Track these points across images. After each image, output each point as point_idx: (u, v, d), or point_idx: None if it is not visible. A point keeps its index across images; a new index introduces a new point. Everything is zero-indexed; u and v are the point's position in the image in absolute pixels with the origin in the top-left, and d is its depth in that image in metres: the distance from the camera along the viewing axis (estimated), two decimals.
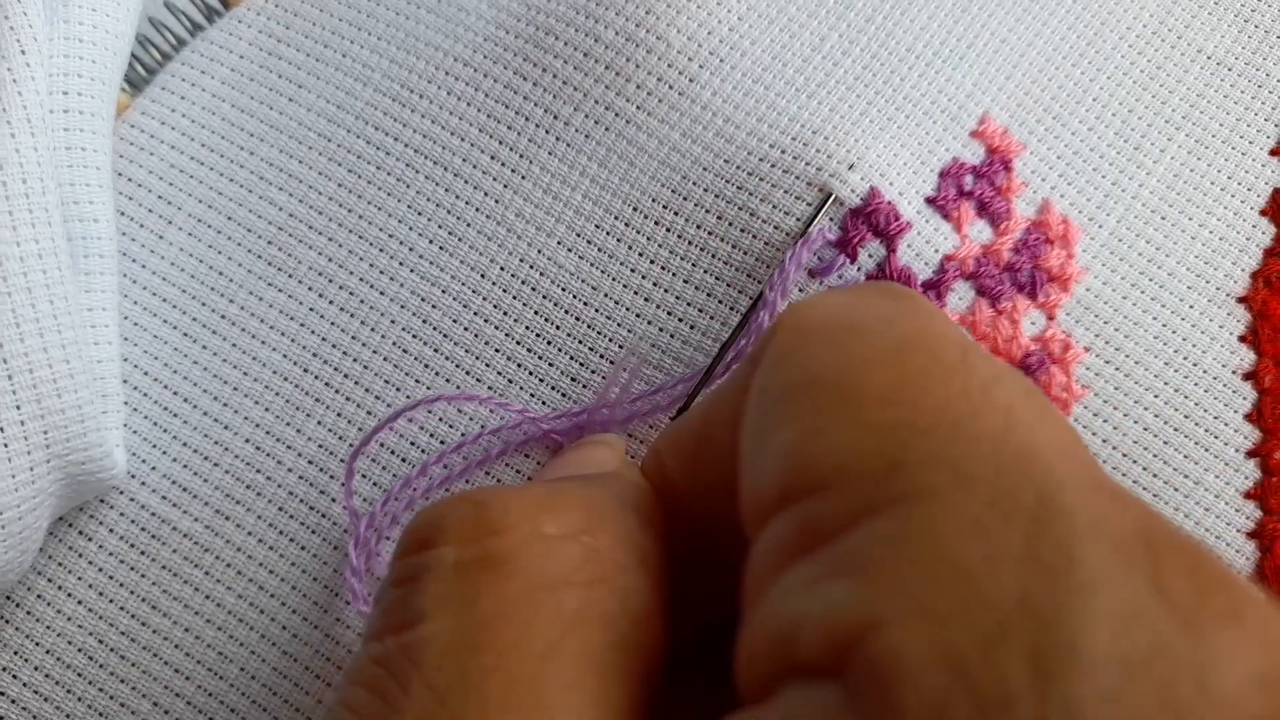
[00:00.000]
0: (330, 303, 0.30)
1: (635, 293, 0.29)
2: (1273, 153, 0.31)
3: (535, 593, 0.17)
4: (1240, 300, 0.30)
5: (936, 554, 0.14)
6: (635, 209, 0.29)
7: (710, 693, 0.20)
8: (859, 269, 0.28)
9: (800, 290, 0.28)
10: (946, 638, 0.13)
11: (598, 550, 0.18)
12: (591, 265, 0.29)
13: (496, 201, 0.30)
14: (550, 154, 0.30)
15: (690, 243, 0.29)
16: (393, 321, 0.29)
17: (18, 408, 0.25)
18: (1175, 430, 0.29)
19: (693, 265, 0.29)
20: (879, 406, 0.15)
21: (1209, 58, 0.32)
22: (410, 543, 0.18)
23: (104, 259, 0.28)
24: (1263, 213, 0.31)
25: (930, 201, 0.29)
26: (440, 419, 0.29)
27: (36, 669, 0.27)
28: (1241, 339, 0.30)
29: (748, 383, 0.18)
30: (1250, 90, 0.32)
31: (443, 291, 0.29)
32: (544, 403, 0.29)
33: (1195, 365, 0.29)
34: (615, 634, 0.17)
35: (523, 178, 0.30)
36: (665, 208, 0.29)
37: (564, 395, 0.29)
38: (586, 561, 0.18)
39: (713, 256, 0.29)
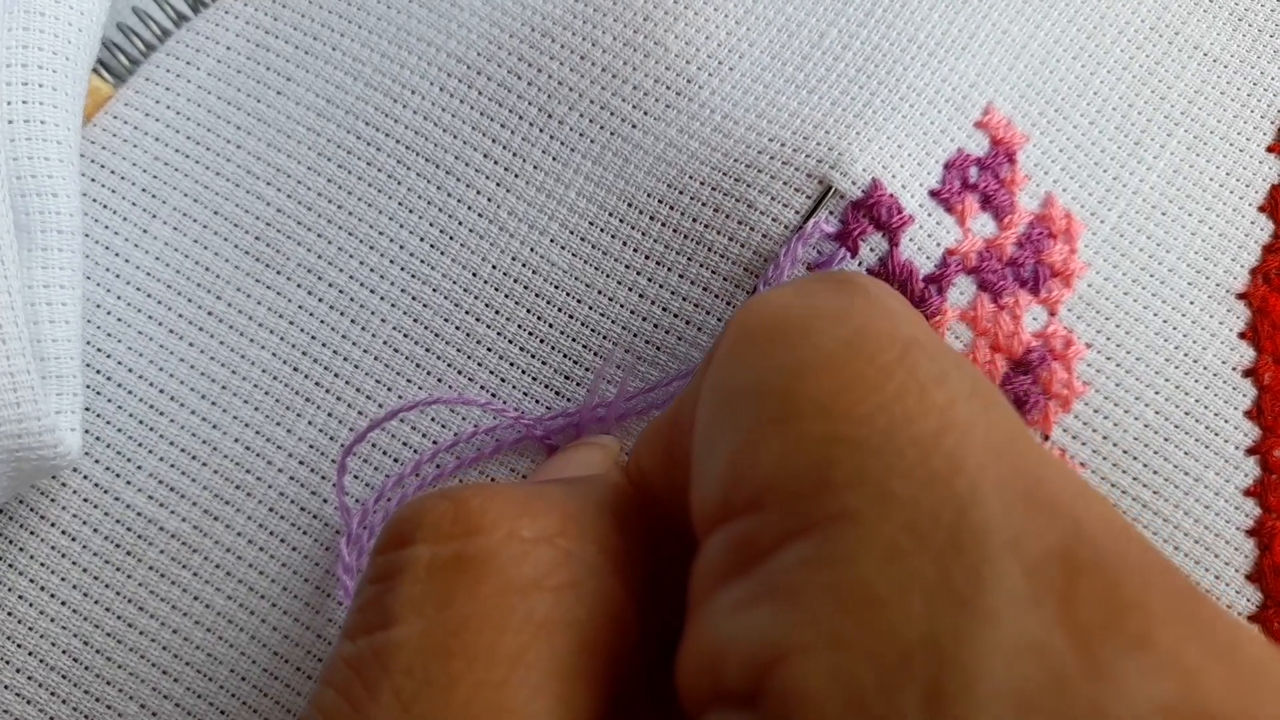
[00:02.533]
0: (320, 300, 0.29)
1: (631, 289, 0.29)
2: (1270, 149, 0.31)
3: (507, 596, 0.17)
4: (1240, 297, 0.30)
5: (850, 581, 0.13)
6: (630, 205, 0.29)
7: None
8: (860, 263, 0.28)
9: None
10: (849, 669, 0.13)
11: (571, 554, 0.18)
12: (586, 262, 0.29)
13: (489, 199, 0.29)
14: (544, 152, 0.29)
15: (687, 237, 0.28)
16: (384, 320, 0.29)
17: None
18: (1175, 427, 0.29)
19: (689, 260, 0.28)
20: (815, 418, 0.15)
21: (1205, 54, 0.32)
22: (388, 538, 0.18)
23: (64, 235, 0.27)
24: (1261, 209, 0.31)
25: (934, 194, 0.29)
26: (433, 419, 0.28)
27: (19, 671, 0.27)
28: (1241, 335, 0.30)
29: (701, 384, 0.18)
30: (1246, 88, 0.32)
31: (434, 290, 0.29)
32: (538, 401, 0.28)
33: (1195, 362, 0.29)
34: (584, 639, 0.17)
35: (516, 176, 0.29)
36: (661, 203, 0.29)
37: (558, 394, 0.28)
38: (559, 566, 0.18)
39: (710, 251, 0.28)
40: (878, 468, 0.14)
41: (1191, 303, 0.30)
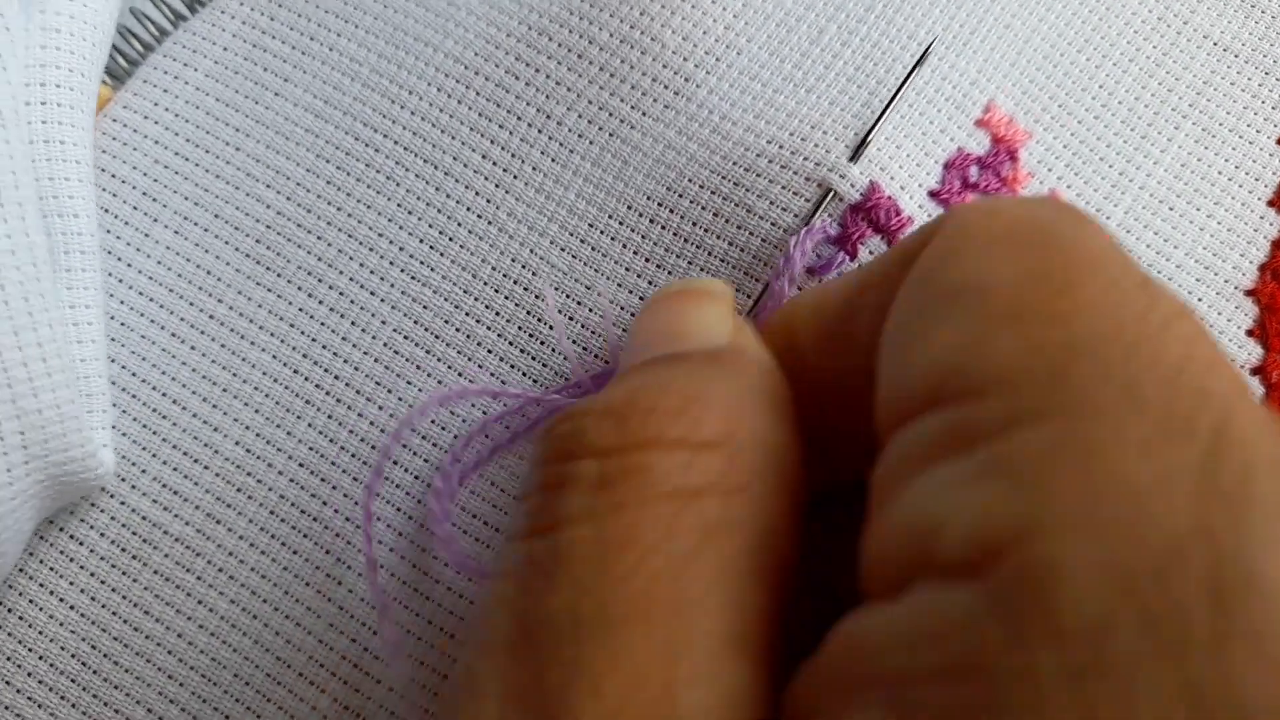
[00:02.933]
0: (320, 303, 0.29)
1: (630, 291, 0.28)
2: (1279, 142, 0.31)
3: (676, 500, 0.17)
4: (1248, 294, 0.30)
5: (1103, 469, 0.14)
6: (630, 207, 0.29)
7: (822, 555, 0.20)
8: (859, 266, 0.28)
9: (793, 285, 0.27)
10: (1113, 555, 0.13)
11: (737, 458, 0.18)
12: (585, 264, 0.29)
13: (488, 201, 0.29)
14: (543, 153, 0.29)
15: (687, 240, 0.28)
16: (383, 322, 0.29)
17: None
18: None
19: (689, 263, 0.28)
20: (1051, 323, 0.15)
21: (1215, 44, 0.31)
22: (552, 452, 0.19)
23: (85, 255, 0.27)
24: (1270, 204, 0.30)
25: (934, 195, 0.28)
26: (452, 414, 0.28)
27: (29, 675, 0.27)
28: (1249, 333, 0.29)
29: (897, 274, 0.18)
30: (1257, 78, 0.31)
31: (434, 292, 0.29)
32: (538, 404, 0.28)
33: None
34: (752, 540, 0.18)
35: (515, 177, 0.29)
36: (661, 205, 0.29)
37: (557, 396, 0.28)
38: (727, 471, 0.18)
39: (709, 254, 0.28)
40: (1125, 372, 0.15)
41: (1199, 299, 0.29)
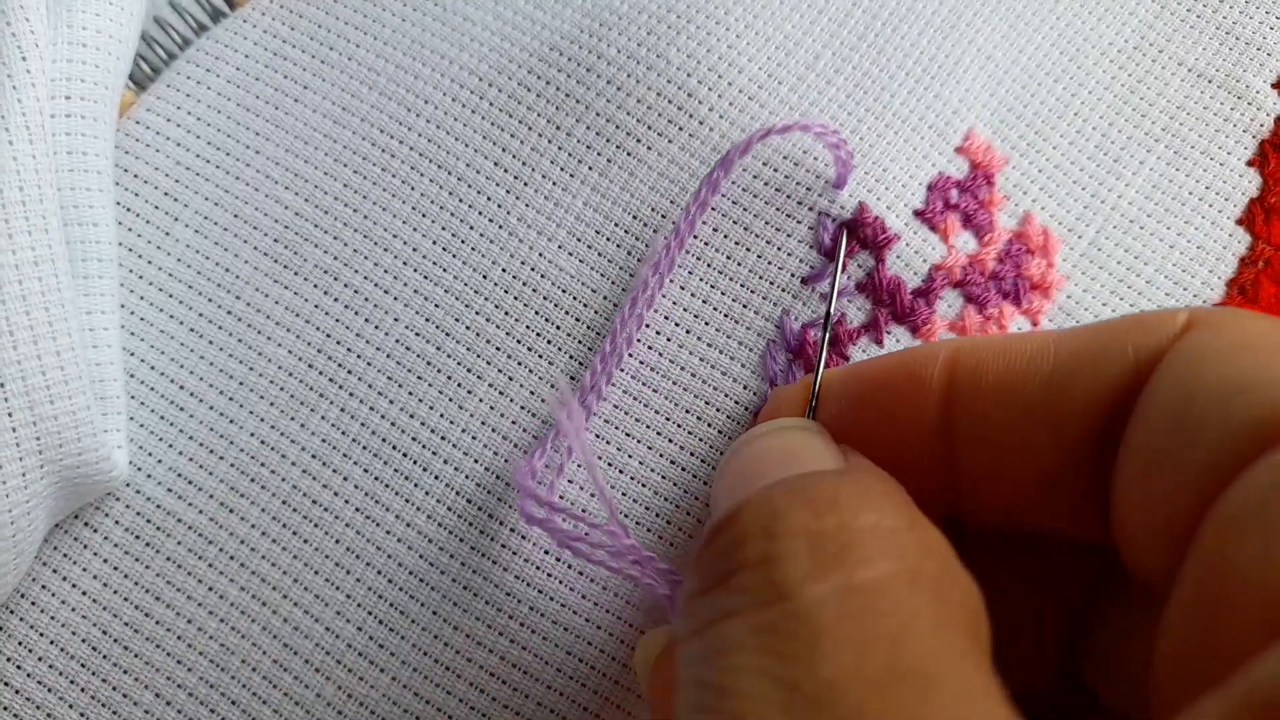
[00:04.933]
0: (335, 300, 0.30)
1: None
2: (1250, 163, 0.32)
3: (900, 576, 0.17)
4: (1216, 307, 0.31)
5: None
6: (635, 217, 0.30)
7: None
8: (849, 278, 0.29)
9: (805, 306, 0.29)
10: None
11: (926, 540, 0.18)
12: (591, 269, 0.30)
13: (499, 206, 0.30)
14: (552, 162, 0.30)
15: (688, 252, 0.30)
16: (396, 319, 0.30)
17: (9, 415, 0.24)
18: None
19: (689, 273, 0.30)
20: None
21: (1190, 70, 0.33)
22: (742, 532, 0.18)
23: (103, 263, 0.28)
24: (1239, 222, 0.32)
25: (919, 214, 0.30)
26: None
27: (40, 659, 0.28)
28: None
29: (1127, 370, 0.19)
30: (1230, 102, 0.32)
31: (445, 291, 0.30)
32: (543, 401, 0.29)
33: None
34: (972, 616, 0.18)
35: (525, 184, 0.30)
36: (664, 217, 0.30)
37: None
38: (926, 552, 0.18)
39: (709, 266, 0.30)
40: None
41: None
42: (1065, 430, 0.20)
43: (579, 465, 0.28)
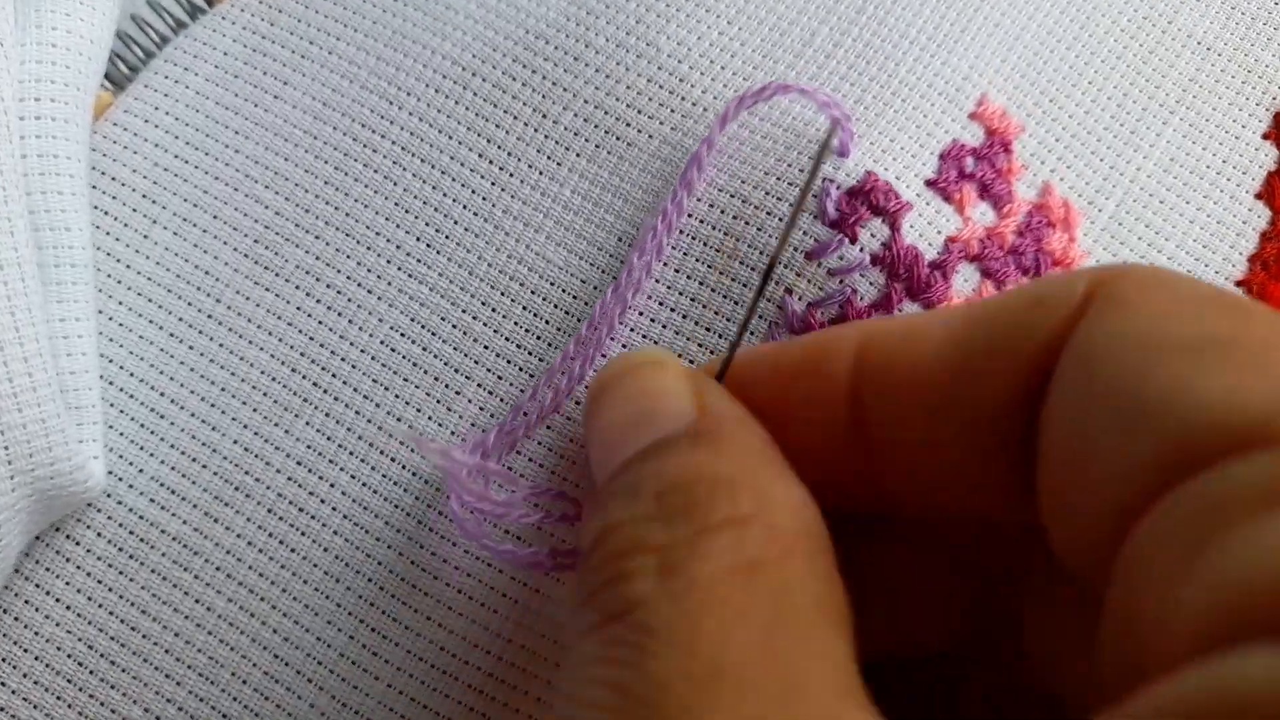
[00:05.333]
0: (318, 301, 0.29)
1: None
2: (1265, 136, 0.32)
3: (739, 574, 0.18)
4: (1238, 284, 0.30)
5: None
6: (627, 202, 0.29)
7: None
8: (861, 248, 0.28)
9: (811, 284, 0.28)
10: None
11: (776, 525, 0.19)
12: (581, 259, 0.29)
13: (485, 199, 0.29)
14: (539, 151, 0.29)
15: (683, 232, 0.28)
16: (380, 320, 0.29)
17: None
18: None
19: (684, 255, 0.28)
20: None
21: (1199, 43, 0.32)
22: (604, 558, 0.19)
23: (77, 268, 0.27)
24: (1258, 196, 0.31)
25: (931, 184, 0.29)
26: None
27: (25, 676, 0.27)
28: None
29: (1030, 347, 0.18)
30: (1240, 75, 0.32)
31: (431, 289, 0.29)
32: (536, 397, 0.28)
33: None
34: (818, 599, 0.18)
35: (511, 175, 0.29)
36: (657, 198, 0.29)
37: (551, 388, 0.28)
38: (772, 540, 0.18)
39: (705, 245, 0.28)
40: None
41: None
42: (978, 423, 0.19)
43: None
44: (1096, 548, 0.17)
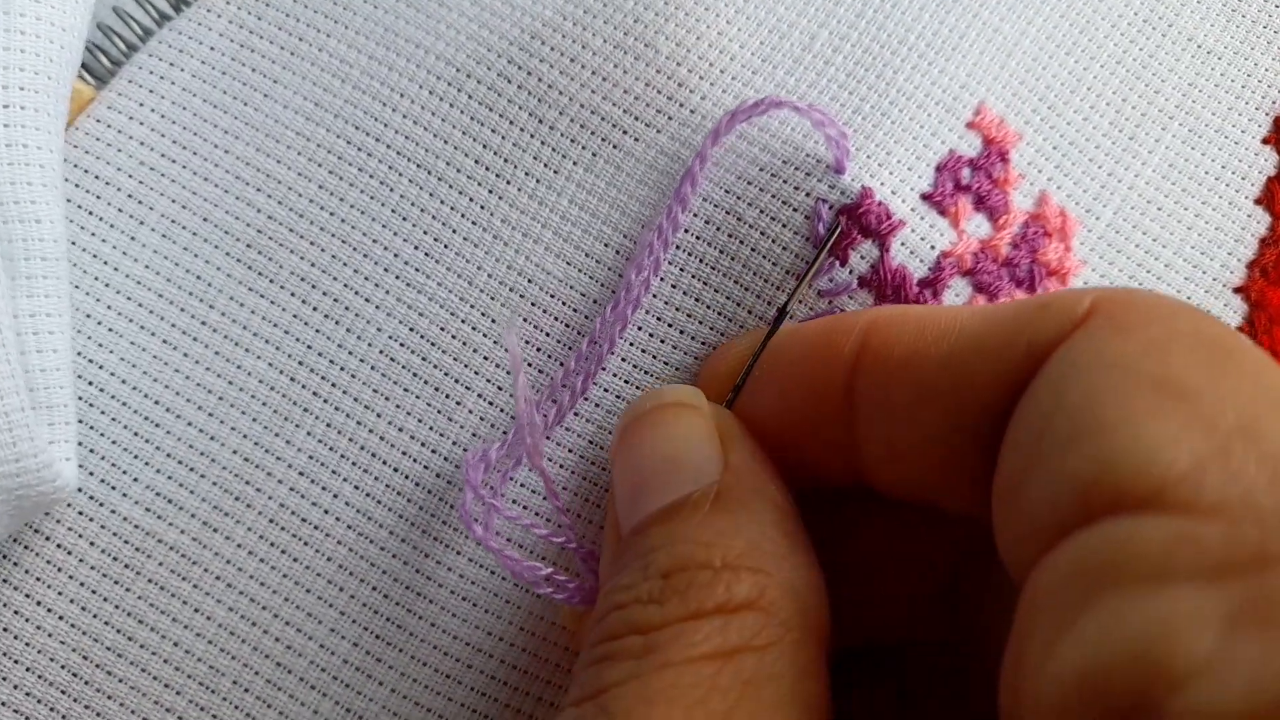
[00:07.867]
0: (315, 309, 0.29)
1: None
2: (1265, 141, 0.31)
3: (715, 661, 0.18)
4: (1236, 291, 0.30)
5: None
6: (623, 213, 0.29)
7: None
8: (850, 271, 0.28)
9: (802, 304, 0.28)
10: None
11: (769, 612, 0.19)
12: (579, 271, 0.29)
13: (482, 207, 0.29)
14: (535, 158, 0.29)
15: (679, 248, 0.28)
16: (379, 329, 0.29)
17: None
18: None
19: (680, 270, 0.28)
20: None
21: (1199, 46, 0.32)
22: (601, 635, 0.20)
23: (48, 262, 0.26)
24: (1257, 202, 0.31)
25: (926, 198, 0.29)
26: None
27: (16, 687, 0.27)
28: (1239, 329, 0.30)
29: (1019, 358, 0.18)
30: (1240, 80, 0.32)
31: (430, 299, 0.29)
32: (536, 408, 0.28)
33: None
34: (789, 689, 0.18)
35: (508, 183, 0.29)
36: (655, 211, 0.28)
37: (554, 403, 0.28)
38: (761, 628, 0.19)
39: (700, 262, 0.28)
40: None
41: (1188, 298, 0.30)
42: (960, 415, 0.20)
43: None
44: (1019, 567, 0.17)
